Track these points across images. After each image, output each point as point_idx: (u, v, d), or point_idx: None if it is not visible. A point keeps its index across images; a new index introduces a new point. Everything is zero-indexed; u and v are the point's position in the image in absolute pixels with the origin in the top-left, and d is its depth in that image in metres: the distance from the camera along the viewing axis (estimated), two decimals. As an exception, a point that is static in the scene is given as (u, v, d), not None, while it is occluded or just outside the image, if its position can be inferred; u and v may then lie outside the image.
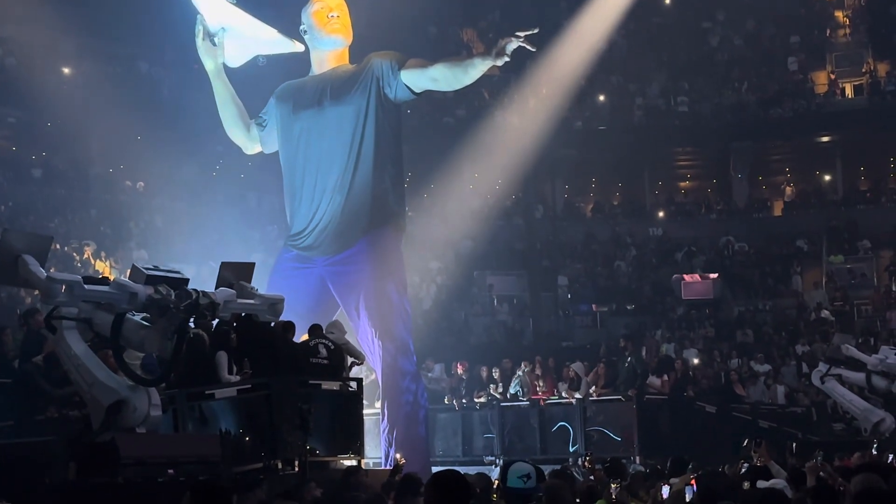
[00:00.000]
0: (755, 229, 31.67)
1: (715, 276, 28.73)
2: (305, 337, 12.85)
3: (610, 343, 22.77)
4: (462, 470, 6.50)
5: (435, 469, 14.40)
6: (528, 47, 14.02)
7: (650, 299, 28.87)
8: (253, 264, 11.25)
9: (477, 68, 14.58)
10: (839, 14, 34.97)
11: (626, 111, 32.97)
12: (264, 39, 16.08)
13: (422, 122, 30.26)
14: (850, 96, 32.37)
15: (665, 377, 18.80)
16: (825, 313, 26.02)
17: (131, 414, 9.49)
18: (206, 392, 11.50)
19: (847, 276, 28.59)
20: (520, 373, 19.14)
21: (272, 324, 11.56)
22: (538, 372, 19.33)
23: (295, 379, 11.63)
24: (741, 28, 34.95)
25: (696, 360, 22.03)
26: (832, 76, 32.77)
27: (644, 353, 21.67)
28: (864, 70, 32.47)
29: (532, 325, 27.68)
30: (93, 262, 23.47)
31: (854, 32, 34.00)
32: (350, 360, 13.12)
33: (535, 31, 14.04)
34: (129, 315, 9.48)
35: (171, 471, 9.37)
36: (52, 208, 26.82)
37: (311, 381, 11.87)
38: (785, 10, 34.48)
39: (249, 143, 16.58)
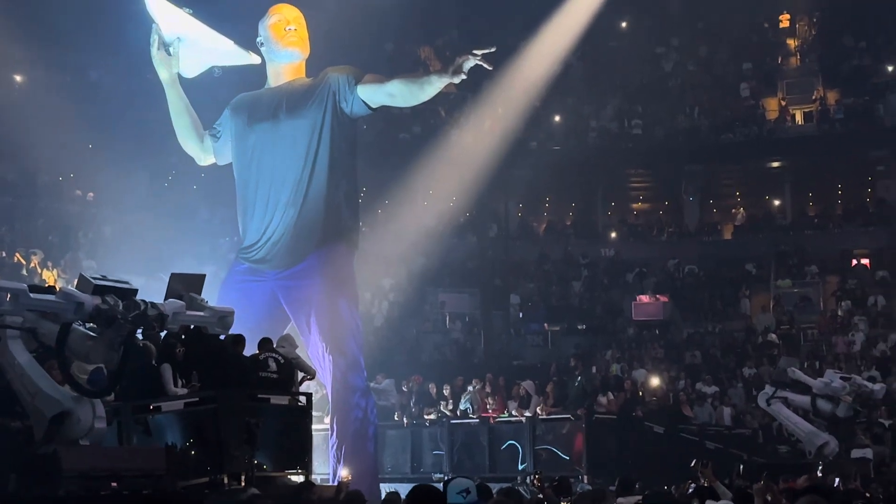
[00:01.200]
0: (705, 252, 31.97)
1: (665, 298, 28.96)
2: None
3: (560, 362, 22.83)
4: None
5: (383, 486, 14.39)
6: (485, 65, 14.11)
7: (601, 319, 29.03)
8: (203, 276, 11.12)
9: (433, 85, 14.66)
10: (791, 42, 35.57)
11: (580, 133, 33.23)
12: (220, 50, 16.04)
13: (377, 137, 30.22)
14: (800, 123, 32.84)
15: (612, 396, 18.91)
16: (772, 337, 26.32)
17: (75, 426, 9.34)
18: (153, 405, 11.34)
19: (794, 300, 28.94)
20: (470, 389, 19.13)
21: (221, 336, 11.44)
22: (488, 390, 19.33)
23: (243, 393, 11.52)
24: (694, 54, 35.40)
25: (655, 382, 21.96)
26: (783, 103, 33.26)
27: (594, 372, 21.77)
28: (814, 98, 32.98)
29: (483, 343, 27.66)
30: (39, 271, 23.10)
31: (805, 61, 34.59)
32: (301, 374, 13.02)
33: (493, 49, 14.15)
34: (75, 325, 9.35)
35: (114, 484, 9.23)
36: (-1, 216, 26.41)
37: (259, 396, 11.77)
38: (737, 37, 35.02)
39: (203, 154, 16.49)
